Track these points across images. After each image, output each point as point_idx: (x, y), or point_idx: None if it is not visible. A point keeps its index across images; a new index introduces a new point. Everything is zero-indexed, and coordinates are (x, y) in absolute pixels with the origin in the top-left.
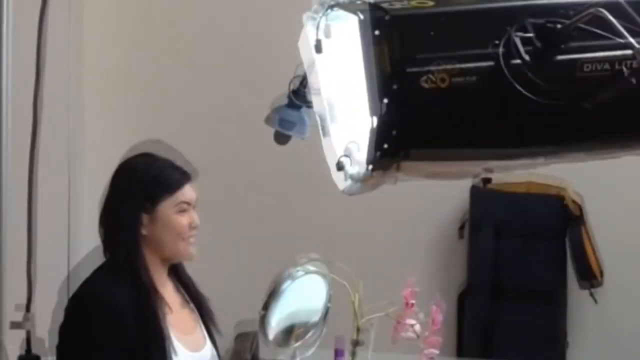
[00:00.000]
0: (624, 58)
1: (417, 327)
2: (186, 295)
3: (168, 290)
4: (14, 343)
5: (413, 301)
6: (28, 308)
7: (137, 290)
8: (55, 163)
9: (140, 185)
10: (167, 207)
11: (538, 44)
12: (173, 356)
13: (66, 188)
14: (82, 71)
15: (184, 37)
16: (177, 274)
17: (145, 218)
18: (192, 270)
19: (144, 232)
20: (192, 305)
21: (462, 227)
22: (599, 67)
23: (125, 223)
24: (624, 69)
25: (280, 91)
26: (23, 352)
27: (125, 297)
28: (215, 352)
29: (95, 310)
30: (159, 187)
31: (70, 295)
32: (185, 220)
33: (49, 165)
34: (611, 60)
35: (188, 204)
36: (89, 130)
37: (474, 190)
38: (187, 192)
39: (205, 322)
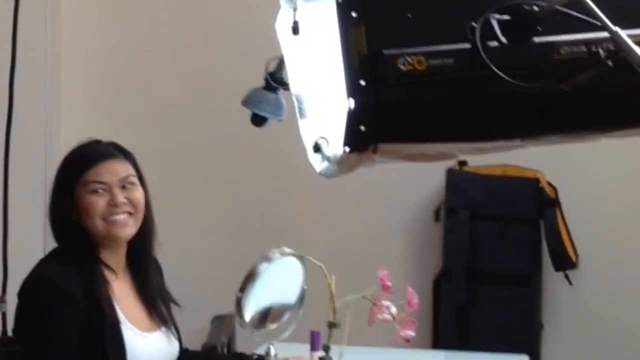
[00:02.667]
0: (601, 40)
1: (393, 309)
2: (144, 280)
3: (124, 273)
4: None
5: (389, 283)
6: (4, 290)
7: (84, 274)
8: (31, 149)
9: (62, 170)
10: (81, 188)
11: (515, 25)
12: (124, 336)
13: (43, 171)
14: (59, 53)
15: (162, 20)
16: (136, 257)
17: (69, 203)
18: (169, 256)
19: (73, 217)
20: (149, 290)
21: (437, 211)
22: (575, 50)
23: (54, 211)
24: (601, 51)
25: (259, 78)
26: None
27: (74, 279)
28: (175, 338)
29: (46, 294)
30: (74, 167)
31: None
32: (101, 201)
33: (25, 150)
34: (588, 42)
35: (102, 183)
36: (65, 118)
37: (449, 173)
38: (101, 170)
39: (163, 303)
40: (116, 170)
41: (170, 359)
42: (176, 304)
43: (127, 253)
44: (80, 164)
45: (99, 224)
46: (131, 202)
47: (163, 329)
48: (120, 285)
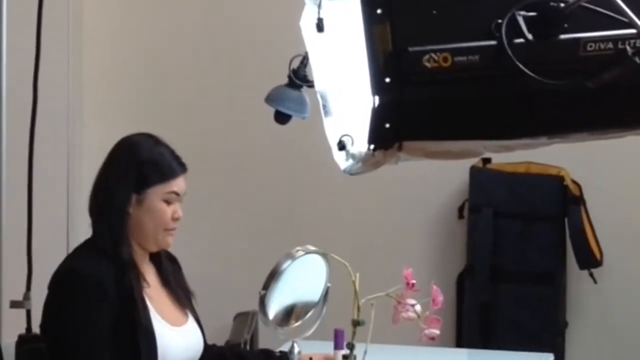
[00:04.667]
0: (628, 37)
1: (418, 307)
2: (165, 277)
3: (148, 269)
4: (14, 322)
5: (413, 281)
6: (28, 287)
7: (116, 266)
8: (54, 146)
9: (138, 163)
10: (157, 193)
11: (541, 22)
12: (155, 329)
13: (65, 169)
14: (82, 52)
15: (185, 19)
16: (156, 253)
17: (133, 197)
18: (193, 254)
19: (130, 210)
20: (172, 285)
21: (461, 208)
22: (602, 47)
23: (114, 196)
24: (628, 48)
25: (281, 75)
26: (23, 332)
27: (106, 272)
28: (200, 332)
29: (78, 286)
30: (156, 171)
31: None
32: (169, 211)
33: (48, 147)
34: (614, 39)
35: (177, 194)
36: (87, 116)
37: (473, 171)
38: (180, 183)
39: (187, 302)
40: (184, 185)
41: (197, 352)
42: (194, 297)
43: None
44: (165, 173)
45: (159, 232)
46: (180, 217)
47: (189, 322)
48: (149, 278)
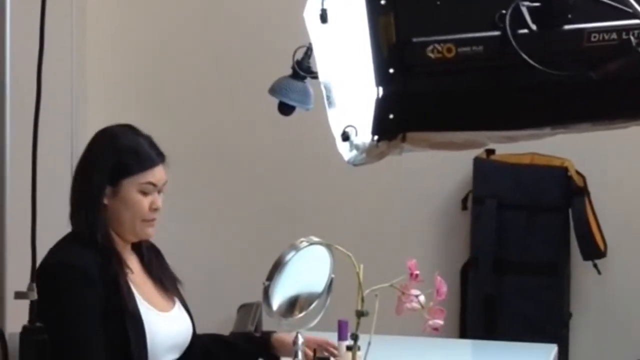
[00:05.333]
0: (632, 28)
1: (422, 298)
2: (148, 265)
3: (130, 257)
4: (19, 313)
5: (417, 272)
6: (32, 278)
7: (99, 254)
8: (58, 138)
9: (114, 153)
10: (132, 184)
11: (545, 12)
12: (142, 315)
13: (69, 160)
14: (84, 40)
15: (189, 8)
16: (138, 244)
17: (108, 189)
18: (196, 245)
19: (105, 201)
20: (156, 272)
21: (465, 199)
22: (606, 37)
23: (90, 187)
24: (632, 38)
25: (285, 66)
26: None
27: (90, 261)
28: (189, 318)
29: (65, 276)
30: (132, 161)
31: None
32: (146, 202)
33: (52, 138)
34: (618, 30)
35: (154, 185)
36: (91, 109)
37: (477, 162)
38: (157, 173)
39: (174, 289)
40: (162, 175)
41: (186, 337)
42: (180, 283)
43: None
44: (141, 163)
45: (136, 223)
46: (159, 208)
47: (177, 308)
48: (132, 266)
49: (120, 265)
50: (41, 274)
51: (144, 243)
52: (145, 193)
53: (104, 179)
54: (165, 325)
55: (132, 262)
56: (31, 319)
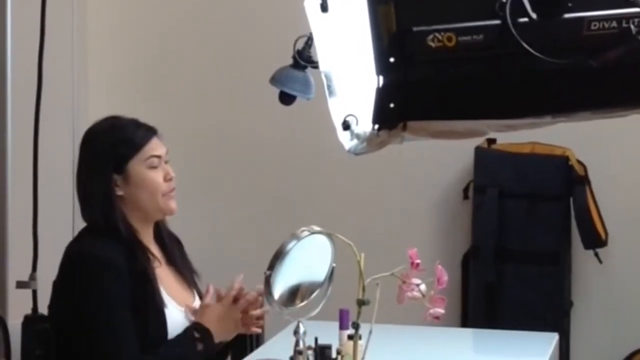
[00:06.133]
0: (632, 16)
1: (423, 287)
2: (172, 256)
3: (154, 249)
4: (20, 303)
5: (418, 261)
6: (34, 267)
7: (124, 246)
8: (59, 128)
9: (105, 148)
10: (136, 164)
11: (545, 1)
12: (165, 309)
13: (71, 151)
14: (85, 30)
15: (189, 0)
16: (159, 233)
17: (117, 179)
18: (198, 235)
19: (119, 193)
20: (179, 265)
21: (466, 189)
22: (606, 26)
23: (97, 188)
24: (632, 27)
25: (286, 56)
26: (29, 312)
27: (116, 252)
28: None
29: (96, 267)
30: (124, 146)
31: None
32: (159, 175)
33: (54, 129)
34: (618, 18)
35: (158, 157)
36: (93, 100)
37: (478, 151)
38: (155, 145)
39: (193, 282)
40: (161, 146)
41: None
42: (198, 277)
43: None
44: (136, 141)
45: (158, 199)
46: (172, 177)
47: (196, 302)
48: (159, 258)
49: (146, 257)
50: (70, 263)
51: (165, 233)
52: (154, 167)
53: (109, 172)
54: (185, 319)
55: (156, 254)
56: (34, 308)
